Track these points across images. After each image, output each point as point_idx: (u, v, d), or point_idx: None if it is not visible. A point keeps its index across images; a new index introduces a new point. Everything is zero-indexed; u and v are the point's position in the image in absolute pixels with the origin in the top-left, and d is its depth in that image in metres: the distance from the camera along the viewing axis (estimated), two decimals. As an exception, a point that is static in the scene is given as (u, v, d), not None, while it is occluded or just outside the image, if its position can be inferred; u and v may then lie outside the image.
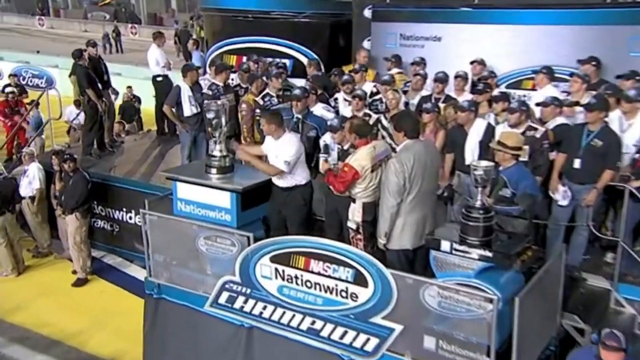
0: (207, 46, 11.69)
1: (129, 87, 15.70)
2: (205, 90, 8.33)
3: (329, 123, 6.40)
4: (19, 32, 37.74)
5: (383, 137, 6.84)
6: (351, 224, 5.70)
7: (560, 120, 6.50)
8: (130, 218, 9.06)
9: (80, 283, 8.72)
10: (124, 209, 9.07)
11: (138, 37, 35.58)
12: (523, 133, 6.17)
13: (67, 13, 43.62)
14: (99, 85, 9.73)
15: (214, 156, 6.11)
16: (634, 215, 6.00)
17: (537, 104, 6.70)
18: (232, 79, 8.94)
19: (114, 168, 9.54)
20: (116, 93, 16.07)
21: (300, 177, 6.05)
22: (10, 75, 14.84)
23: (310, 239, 5.21)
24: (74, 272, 8.79)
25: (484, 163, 4.88)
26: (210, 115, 6.06)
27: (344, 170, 5.55)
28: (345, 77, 8.02)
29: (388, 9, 9.62)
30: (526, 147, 5.88)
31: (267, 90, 8.08)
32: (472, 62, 8.16)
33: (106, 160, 9.82)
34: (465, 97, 7.38)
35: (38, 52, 24.84)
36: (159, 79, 10.14)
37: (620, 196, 5.93)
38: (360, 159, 5.53)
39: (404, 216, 5.25)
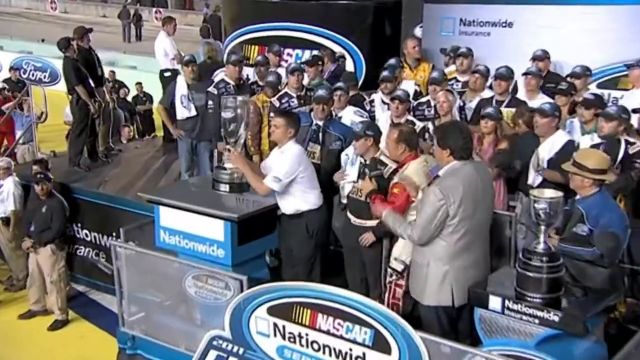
0: (224, 34, 11.72)
1: (139, 83, 15.81)
2: (210, 89, 8.17)
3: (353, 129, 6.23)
4: (27, 17, 38.82)
5: (430, 153, 6.47)
6: (396, 265, 5.53)
7: None
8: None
9: (59, 326, 8.55)
10: (114, 235, 8.75)
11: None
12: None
13: (83, -6, 44.63)
14: (91, 82, 9.61)
15: (223, 168, 5.94)
16: None
17: (634, 111, 6.45)
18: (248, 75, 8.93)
19: (104, 183, 9.42)
20: (126, 90, 16.51)
21: (305, 201, 5.87)
22: (11, 69, 15.02)
23: (316, 286, 4.86)
24: (27, 314, 8.65)
25: (549, 192, 4.52)
26: (226, 114, 5.91)
27: (394, 193, 5.38)
28: (385, 73, 7.81)
29: None
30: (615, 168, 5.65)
31: (285, 90, 8.00)
32: (533, 59, 7.93)
33: (97, 174, 9.71)
34: (539, 100, 7.11)
35: (43, 40, 25.35)
36: (167, 74, 10.15)
37: None
38: (413, 176, 5.37)
39: (447, 262, 4.91)
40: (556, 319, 4.33)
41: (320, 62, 8.62)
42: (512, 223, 5.97)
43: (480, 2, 9.01)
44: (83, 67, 9.52)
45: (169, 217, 5.94)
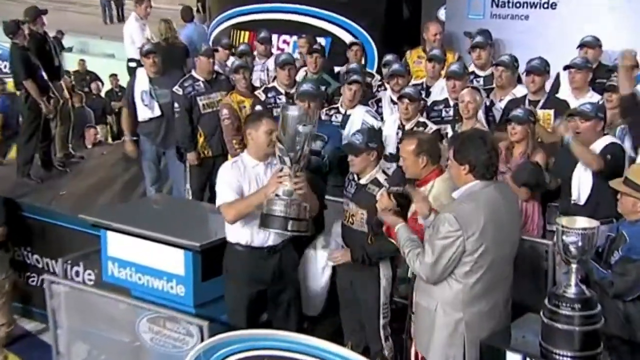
0: (209, 17, 11.86)
1: (113, 75, 15.82)
2: (175, 88, 8.07)
3: (347, 140, 6.11)
4: None
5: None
6: None
7: None
8: (77, 273, 8.63)
9: None
10: (69, 262, 8.63)
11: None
12: None
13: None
14: (44, 75, 9.53)
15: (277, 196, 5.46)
16: None
17: None
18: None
19: (59, 198, 9.33)
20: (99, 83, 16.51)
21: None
22: None
23: (291, 336, 4.87)
24: None
25: (583, 221, 4.41)
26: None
27: (415, 219, 5.20)
28: (395, 66, 7.77)
29: None
30: None
31: (274, 84, 8.06)
32: (580, 46, 7.77)
33: (51, 187, 9.64)
34: (588, 99, 6.96)
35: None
36: (132, 64, 9.97)
37: None
38: (442, 197, 5.16)
39: (460, 308, 4.75)
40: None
41: (319, 53, 8.65)
42: (549, 253, 5.92)
43: None
44: (35, 57, 9.43)
45: (118, 245, 5.91)
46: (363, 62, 9.01)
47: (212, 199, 7.74)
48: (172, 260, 5.68)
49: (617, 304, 4.93)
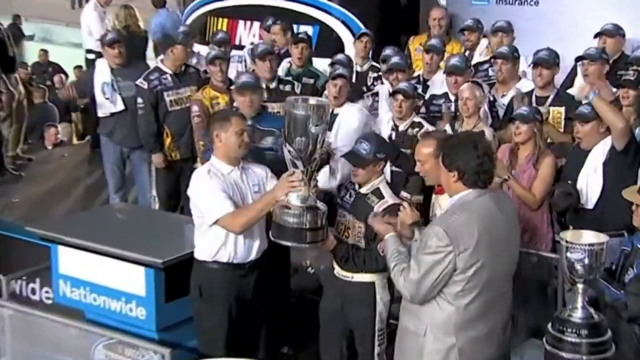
0: (184, 3, 11.73)
1: (79, 67, 15.69)
2: (139, 82, 8.01)
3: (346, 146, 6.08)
4: None
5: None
6: None
7: None
8: (34, 291, 8.53)
9: None
10: (23, 278, 8.56)
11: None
12: None
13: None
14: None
15: (288, 208, 5.38)
16: None
17: None
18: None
19: (11, 205, 9.30)
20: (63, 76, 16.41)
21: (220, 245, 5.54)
22: None
23: None
24: None
25: (590, 236, 4.46)
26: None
27: None
28: (395, 59, 7.78)
29: None
30: None
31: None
32: (598, 35, 7.79)
33: (2, 193, 9.68)
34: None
35: None
36: (90, 56, 9.99)
37: None
38: None
39: (453, 332, 4.68)
40: None
41: (306, 43, 8.63)
42: (559, 269, 5.88)
43: None
44: None
45: (71, 262, 5.86)
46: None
47: (180, 206, 7.80)
48: (132, 279, 5.63)
49: (633, 329, 4.89)
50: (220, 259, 5.50)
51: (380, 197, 5.56)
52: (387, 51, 8.53)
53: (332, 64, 8.01)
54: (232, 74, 8.36)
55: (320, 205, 5.36)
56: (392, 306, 5.92)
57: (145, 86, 7.89)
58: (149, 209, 8.06)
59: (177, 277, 5.60)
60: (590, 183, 6.24)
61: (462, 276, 4.49)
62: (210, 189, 5.49)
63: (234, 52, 9.33)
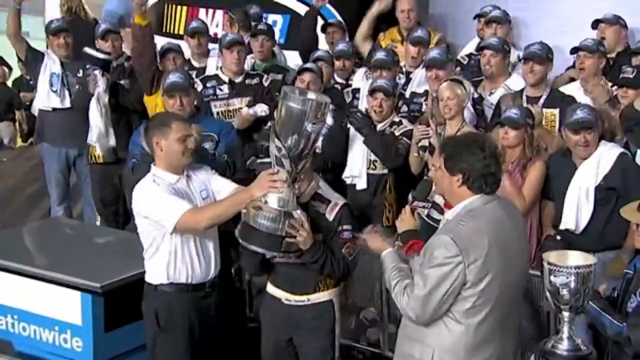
0: None
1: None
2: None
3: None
4: None
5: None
6: None
7: None
8: None
9: None
10: None
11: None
12: None
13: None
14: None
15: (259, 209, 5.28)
16: None
17: None
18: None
19: None
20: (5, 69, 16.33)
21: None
22: None
23: None
24: None
25: (576, 257, 4.46)
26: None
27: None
28: (380, 54, 7.81)
29: None
30: None
31: (217, 71, 8.10)
32: (595, 25, 7.94)
33: None
34: (599, 91, 7.20)
35: None
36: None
37: None
38: None
39: (463, 356, 4.67)
40: None
41: (266, 35, 8.69)
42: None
43: None
44: None
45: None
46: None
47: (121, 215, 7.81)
48: (67, 306, 5.60)
49: None
50: (177, 280, 5.42)
51: (325, 200, 5.56)
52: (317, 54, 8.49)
53: (315, 61, 7.99)
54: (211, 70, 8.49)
55: (301, 212, 5.30)
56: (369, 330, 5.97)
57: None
58: (89, 224, 8.04)
59: (118, 303, 5.59)
60: (581, 206, 6.32)
61: (472, 291, 4.47)
62: (160, 194, 5.41)
63: (212, 45, 9.25)
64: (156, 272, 5.43)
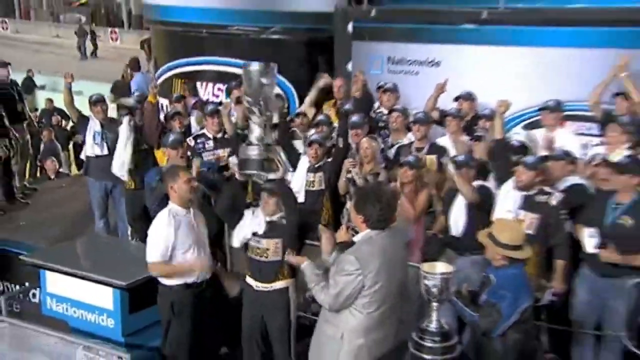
0: (155, 66, 11.46)
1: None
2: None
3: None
4: None
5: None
6: None
7: (574, 179, 6.25)
8: (34, 295, 8.28)
9: None
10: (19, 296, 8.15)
11: (119, 44, 35.42)
12: (532, 197, 5.97)
13: (37, 14, 43.75)
14: (5, 121, 9.17)
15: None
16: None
17: (547, 158, 6.30)
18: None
19: (19, 228, 8.91)
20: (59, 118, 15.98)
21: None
22: None
23: None
24: None
25: (441, 267, 4.42)
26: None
27: None
28: (355, 118, 7.31)
29: (373, 25, 9.20)
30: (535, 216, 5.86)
31: (203, 131, 7.79)
32: (456, 98, 7.84)
33: (12, 217, 9.24)
34: (461, 142, 7.19)
35: None
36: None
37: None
38: None
39: (362, 335, 4.69)
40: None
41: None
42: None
43: (408, 40, 8.85)
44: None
45: (55, 283, 5.72)
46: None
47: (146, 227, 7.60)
48: (103, 297, 5.51)
49: (489, 340, 4.81)
50: (183, 281, 5.41)
51: (284, 218, 5.52)
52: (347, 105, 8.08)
53: (316, 125, 7.70)
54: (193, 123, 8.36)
55: (275, 146, 5.29)
56: (312, 305, 5.87)
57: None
58: (119, 238, 7.82)
59: (138, 294, 5.53)
60: (457, 216, 6.24)
61: (367, 292, 4.53)
62: (158, 233, 5.41)
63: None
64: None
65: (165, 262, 5.36)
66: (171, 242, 5.38)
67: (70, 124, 15.67)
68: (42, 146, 13.94)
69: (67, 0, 44.12)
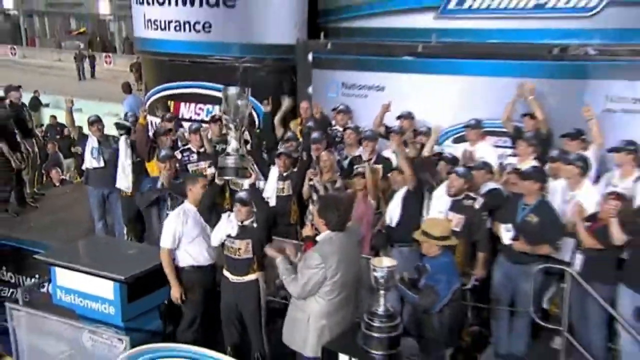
0: (145, 89, 11.35)
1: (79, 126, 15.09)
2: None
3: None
4: None
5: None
6: None
7: (492, 185, 6.26)
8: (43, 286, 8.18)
9: None
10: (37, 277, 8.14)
11: (113, 67, 34.90)
12: (460, 202, 6.01)
13: (42, 42, 42.98)
14: (17, 137, 9.10)
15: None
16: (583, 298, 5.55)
17: (468, 169, 6.32)
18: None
19: (29, 229, 8.82)
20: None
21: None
22: None
23: (186, 348, 4.75)
24: None
25: (387, 262, 4.43)
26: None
27: None
28: (315, 135, 7.31)
29: (329, 56, 9.23)
30: (461, 217, 5.93)
31: (189, 145, 7.67)
32: (398, 117, 7.84)
33: (23, 220, 9.17)
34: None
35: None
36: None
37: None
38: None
39: (324, 318, 4.74)
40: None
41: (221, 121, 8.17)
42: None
43: (359, 69, 8.96)
44: (12, 123, 8.99)
45: (64, 277, 5.64)
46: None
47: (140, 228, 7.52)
48: (105, 289, 5.47)
49: (428, 316, 4.90)
50: (196, 264, 5.66)
51: (255, 222, 5.58)
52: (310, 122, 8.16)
53: (286, 140, 7.64)
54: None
55: (247, 156, 5.30)
56: (281, 291, 5.94)
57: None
58: (117, 239, 7.82)
59: (135, 286, 5.48)
60: (393, 210, 6.31)
61: (329, 282, 4.60)
62: (169, 225, 5.62)
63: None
64: (182, 259, 5.65)
65: (173, 250, 5.58)
66: (179, 233, 5.56)
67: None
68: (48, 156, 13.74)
69: (68, 30, 43.32)
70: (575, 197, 5.84)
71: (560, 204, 5.89)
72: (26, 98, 13.02)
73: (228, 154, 5.11)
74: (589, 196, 5.79)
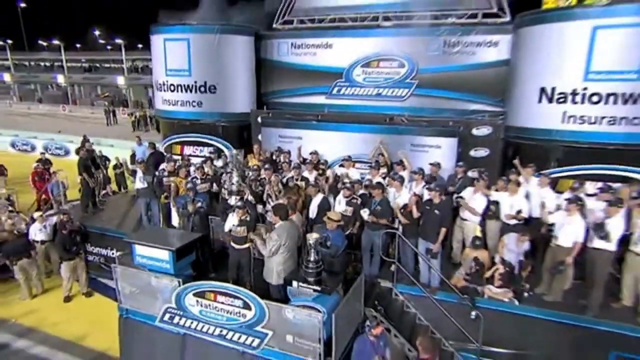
0: (163, 137, 10.69)
1: (116, 157, 14.31)
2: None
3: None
4: (48, 116, 33.56)
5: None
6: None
7: (362, 191, 6.39)
8: (113, 254, 8.14)
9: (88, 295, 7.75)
10: (109, 247, 8.24)
11: (126, 116, 32.72)
12: (350, 201, 6.09)
13: (81, 101, 39.80)
14: (92, 169, 8.96)
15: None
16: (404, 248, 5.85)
17: (351, 184, 6.39)
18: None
19: (101, 223, 8.56)
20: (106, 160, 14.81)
21: None
22: (41, 153, 12.94)
23: (216, 283, 4.98)
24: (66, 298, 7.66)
25: (315, 235, 4.74)
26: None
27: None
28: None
29: (269, 120, 9.15)
30: (350, 209, 5.92)
31: (195, 174, 7.28)
32: (310, 153, 7.83)
33: (96, 216, 8.91)
34: (313, 176, 7.17)
35: (59, 131, 22.26)
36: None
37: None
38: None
39: (281, 264, 4.98)
40: (319, 288, 4.67)
41: (211, 160, 7.95)
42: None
43: (287, 127, 8.84)
44: (89, 161, 8.88)
45: (140, 249, 5.61)
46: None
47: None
48: (164, 254, 5.47)
49: (337, 261, 5.04)
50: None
51: (248, 217, 5.47)
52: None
53: (252, 169, 6.97)
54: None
55: (248, 191, 5.19)
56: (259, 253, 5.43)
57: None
58: (161, 227, 7.41)
59: (179, 253, 5.45)
60: (314, 208, 6.04)
61: (283, 248, 4.88)
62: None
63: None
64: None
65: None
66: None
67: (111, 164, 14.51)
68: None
69: (97, 94, 40.36)
70: (397, 197, 6.06)
71: (392, 200, 6.13)
72: (77, 140, 11.97)
73: (232, 183, 5.31)
74: (404, 196, 6.06)
